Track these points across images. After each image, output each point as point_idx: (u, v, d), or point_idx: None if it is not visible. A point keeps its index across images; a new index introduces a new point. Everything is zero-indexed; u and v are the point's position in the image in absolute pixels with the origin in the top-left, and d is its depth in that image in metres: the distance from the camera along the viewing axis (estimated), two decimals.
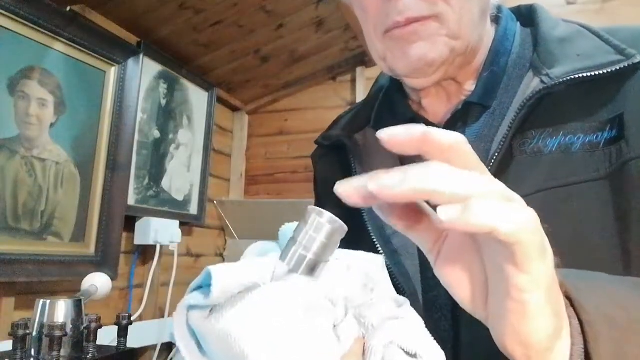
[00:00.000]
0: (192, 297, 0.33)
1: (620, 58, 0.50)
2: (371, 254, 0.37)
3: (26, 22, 1.29)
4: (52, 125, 1.38)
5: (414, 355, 0.32)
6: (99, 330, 0.69)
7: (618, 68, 0.49)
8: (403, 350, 0.32)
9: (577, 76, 0.50)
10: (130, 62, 1.62)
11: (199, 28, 1.78)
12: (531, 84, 0.53)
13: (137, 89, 1.65)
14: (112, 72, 1.58)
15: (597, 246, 0.47)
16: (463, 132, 0.53)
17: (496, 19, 0.60)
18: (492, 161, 0.51)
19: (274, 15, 1.83)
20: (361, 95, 2.24)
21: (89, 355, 0.67)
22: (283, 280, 0.32)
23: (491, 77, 0.56)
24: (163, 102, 1.86)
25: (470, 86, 0.58)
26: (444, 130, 0.30)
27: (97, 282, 0.77)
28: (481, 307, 0.33)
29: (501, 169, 0.51)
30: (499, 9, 0.61)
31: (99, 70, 1.54)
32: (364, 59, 2.25)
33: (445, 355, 0.42)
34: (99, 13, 1.56)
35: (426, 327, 0.46)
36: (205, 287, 0.33)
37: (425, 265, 0.53)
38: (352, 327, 0.33)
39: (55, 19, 1.36)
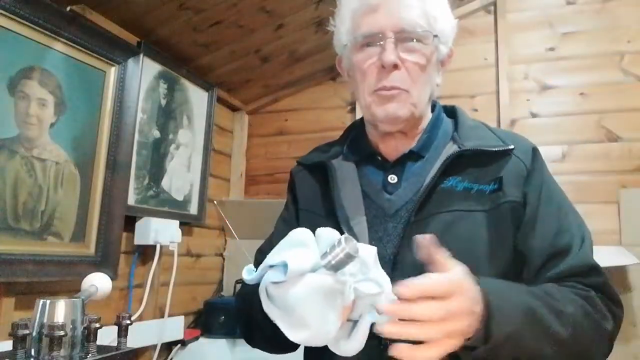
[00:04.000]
0: (274, 276, 0.58)
1: (502, 144, 0.85)
2: (371, 248, 0.63)
3: (26, 22, 1.29)
4: (52, 125, 1.38)
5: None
6: (99, 330, 0.69)
7: (501, 149, 0.84)
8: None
9: (478, 148, 0.84)
10: (130, 62, 1.62)
11: (199, 28, 1.78)
12: (452, 148, 0.86)
13: (137, 89, 1.65)
14: (112, 72, 1.58)
15: (480, 248, 0.79)
16: (404, 169, 0.88)
17: (432, 108, 0.94)
18: (424, 190, 0.81)
19: (274, 15, 1.83)
20: None
21: (89, 355, 0.67)
22: (319, 272, 0.58)
23: (427, 139, 0.89)
24: (163, 102, 1.86)
25: (413, 142, 0.89)
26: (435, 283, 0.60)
27: (97, 282, 0.77)
28: None
29: (428, 196, 0.81)
30: (435, 103, 0.95)
31: (99, 70, 1.54)
32: None
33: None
34: (99, 13, 1.56)
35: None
36: (279, 267, 0.58)
37: (371, 242, 0.83)
38: (351, 294, 0.60)
39: (55, 19, 1.36)
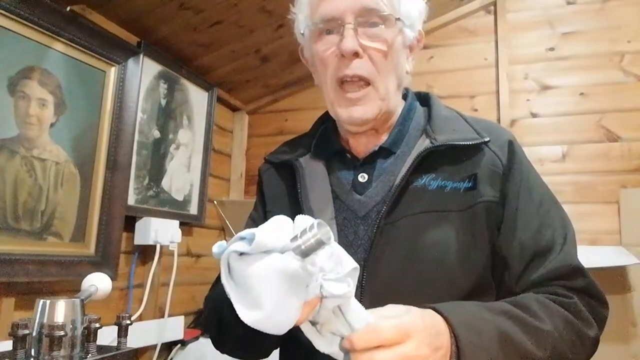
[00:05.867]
0: (238, 245, 0.54)
1: (477, 137, 0.79)
2: (356, 265, 0.58)
3: (26, 22, 1.29)
4: (52, 125, 1.38)
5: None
6: (99, 330, 0.69)
7: (476, 143, 0.78)
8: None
9: (452, 143, 0.78)
10: (130, 62, 1.62)
11: (199, 28, 1.78)
12: (423, 143, 0.80)
13: (137, 89, 1.65)
14: (112, 72, 1.58)
15: (454, 252, 0.74)
16: (374, 167, 0.82)
17: (404, 97, 0.88)
18: (394, 190, 0.76)
19: (274, 15, 1.83)
20: None
21: (89, 355, 0.67)
22: (286, 254, 0.53)
23: (399, 133, 0.83)
24: (163, 102, 1.86)
25: (384, 137, 0.84)
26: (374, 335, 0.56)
27: (97, 282, 0.77)
28: None
29: (399, 196, 0.76)
30: (407, 90, 0.89)
31: (99, 70, 1.54)
32: None
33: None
34: (99, 13, 1.56)
35: None
36: (247, 239, 0.53)
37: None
38: (316, 289, 0.54)
39: (55, 19, 1.36)
